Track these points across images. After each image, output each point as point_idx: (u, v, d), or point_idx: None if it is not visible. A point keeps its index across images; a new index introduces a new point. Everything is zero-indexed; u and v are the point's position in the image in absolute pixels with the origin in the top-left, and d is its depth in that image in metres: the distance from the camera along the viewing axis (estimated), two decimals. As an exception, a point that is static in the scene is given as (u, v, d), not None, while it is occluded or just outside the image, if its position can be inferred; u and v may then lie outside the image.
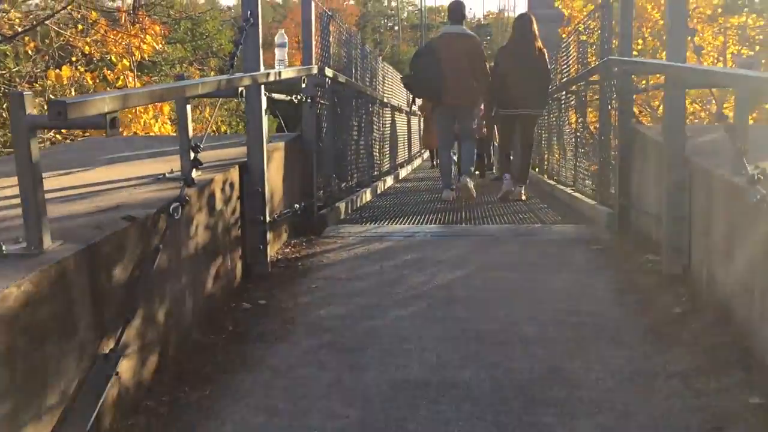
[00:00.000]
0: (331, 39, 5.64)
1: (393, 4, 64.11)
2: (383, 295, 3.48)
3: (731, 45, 11.45)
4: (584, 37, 6.66)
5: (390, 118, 10.51)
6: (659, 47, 8.11)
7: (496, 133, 8.30)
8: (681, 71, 3.23)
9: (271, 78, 3.61)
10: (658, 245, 3.92)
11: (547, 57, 6.61)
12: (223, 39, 11.47)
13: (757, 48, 12.21)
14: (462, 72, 6.33)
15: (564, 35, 9.65)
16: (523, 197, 6.57)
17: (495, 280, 3.68)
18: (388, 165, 9.89)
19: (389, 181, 9.24)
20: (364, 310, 3.25)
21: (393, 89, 11.05)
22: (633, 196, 4.55)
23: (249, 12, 3.60)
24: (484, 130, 8.45)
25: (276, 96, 4.18)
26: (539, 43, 6.48)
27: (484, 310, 3.23)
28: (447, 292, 3.50)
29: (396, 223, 5.42)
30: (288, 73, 4.07)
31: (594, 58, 6.09)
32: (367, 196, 7.16)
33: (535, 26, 6.49)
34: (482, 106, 7.35)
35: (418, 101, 13.58)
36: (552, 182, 7.85)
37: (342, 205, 5.73)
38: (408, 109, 13.68)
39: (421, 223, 5.42)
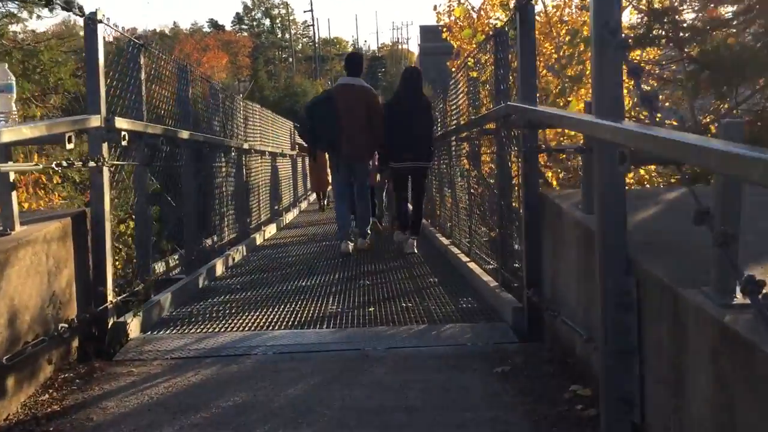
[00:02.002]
0: (143, 76, 4.17)
1: (287, 36, 63.15)
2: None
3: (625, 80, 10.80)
4: (474, 74, 5.52)
5: (265, 165, 9.15)
6: (568, 86, 6.99)
7: (388, 184, 8.06)
8: (618, 134, 2.01)
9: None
10: (586, 367, 2.75)
11: (431, 107, 6.69)
12: (62, 72, 9.65)
13: (653, 83, 11.66)
14: (360, 125, 6.18)
15: (453, 69, 8.59)
16: (416, 251, 6.41)
17: (351, 453, 2.36)
18: (257, 220, 8.48)
19: (259, 239, 7.85)
20: None
21: (265, 132, 9.66)
22: (546, 288, 3.38)
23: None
24: (378, 178, 8.04)
25: (17, 167, 2.72)
26: (426, 97, 6.58)
27: None
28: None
29: (235, 326, 3.93)
30: (16, 134, 2.55)
31: (488, 100, 4.97)
32: (218, 268, 5.74)
33: (421, 79, 6.53)
34: (377, 158, 7.15)
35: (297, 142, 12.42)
36: (446, 241, 6.68)
37: (167, 298, 4.27)
38: (291, 153, 12.50)
39: (271, 323, 4.00)
